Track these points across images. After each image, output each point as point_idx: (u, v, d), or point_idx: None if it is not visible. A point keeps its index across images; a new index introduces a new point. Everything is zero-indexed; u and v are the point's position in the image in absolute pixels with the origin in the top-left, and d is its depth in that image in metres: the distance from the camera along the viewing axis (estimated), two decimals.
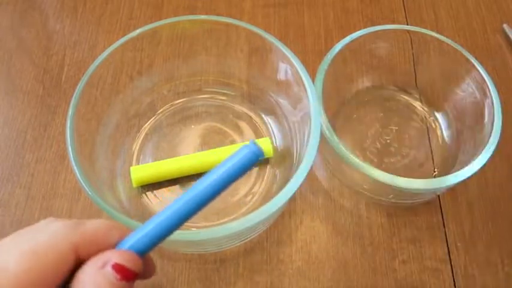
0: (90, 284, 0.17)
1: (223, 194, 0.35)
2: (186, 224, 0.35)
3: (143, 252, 0.19)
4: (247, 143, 0.19)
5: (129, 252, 0.18)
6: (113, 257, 0.18)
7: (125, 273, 0.18)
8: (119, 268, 0.17)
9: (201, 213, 0.35)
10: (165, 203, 0.35)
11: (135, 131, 0.38)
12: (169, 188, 0.36)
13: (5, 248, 0.17)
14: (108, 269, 0.17)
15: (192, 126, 0.38)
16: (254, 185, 0.36)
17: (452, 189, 0.36)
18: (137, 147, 0.37)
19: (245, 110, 0.39)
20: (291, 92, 0.34)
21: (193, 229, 0.34)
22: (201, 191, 0.19)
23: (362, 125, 0.39)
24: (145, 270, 0.21)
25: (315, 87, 0.32)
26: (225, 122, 0.38)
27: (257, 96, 0.39)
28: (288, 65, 0.33)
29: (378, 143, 0.38)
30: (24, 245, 0.17)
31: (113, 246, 0.19)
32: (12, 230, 0.36)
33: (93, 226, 0.19)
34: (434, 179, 0.30)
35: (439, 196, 0.36)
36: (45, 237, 0.17)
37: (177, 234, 0.25)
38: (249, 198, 0.35)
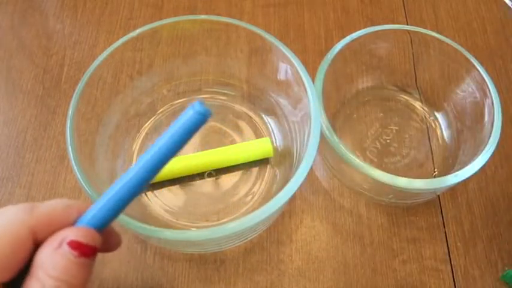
0: (49, 265, 0.17)
1: (223, 194, 0.35)
2: (186, 224, 0.35)
3: (101, 227, 0.19)
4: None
5: (84, 227, 0.18)
6: (68, 234, 0.18)
7: (83, 250, 0.17)
8: (75, 245, 0.17)
9: (201, 214, 0.35)
10: (165, 203, 0.35)
11: (135, 131, 0.38)
12: (170, 188, 0.36)
13: None
14: (65, 247, 0.17)
15: None
16: (254, 185, 0.36)
17: (452, 189, 0.36)
18: (137, 147, 0.37)
19: (245, 110, 0.39)
20: (291, 92, 0.34)
21: (193, 229, 0.34)
22: (150, 159, 0.19)
23: (362, 125, 0.39)
24: (109, 243, 0.21)
25: (315, 87, 0.32)
26: (225, 122, 0.38)
27: (257, 96, 0.39)
28: (288, 65, 0.33)
29: (377, 143, 0.38)
30: None
31: (71, 225, 0.19)
32: None
33: (49, 207, 0.18)
34: (434, 179, 0.30)
35: (439, 196, 0.36)
36: (2, 222, 0.17)
37: (178, 235, 0.25)
38: (249, 198, 0.35)
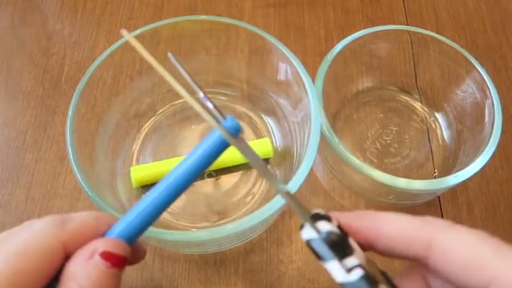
0: (81, 276, 0.17)
1: (223, 195, 0.35)
2: (186, 225, 0.35)
3: (130, 240, 0.19)
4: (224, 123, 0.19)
5: (114, 238, 0.18)
6: (99, 245, 0.18)
7: (114, 260, 0.17)
8: (107, 255, 0.17)
9: (201, 214, 0.35)
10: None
11: (135, 131, 0.38)
12: None
13: None
14: (97, 258, 0.17)
15: (192, 127, 0.38)
16: (254, 185, 0.36)
17: (453, 190, 0.36)
18: (137, 148, 0.37)
19: (245, 110, 0.39)
20: (291, 92, 0.34)
21: (193, 229, 0.34)
22: (182, 173, 0.19)
23: (362, 126, 0.39)
24: (135, 255, 0.21)
25: (315, 88, 0.32)
26: None
27: (257, 96, 0.39)
28: (288, 65, 0.33)
29: (378, 144, 0.38)
30: (12, 246, 0.17)
31: (101, 237, 0.19)
32: None
33: (80, 220, 0.18)
34: (434, 180, 0.30)
35: (439, 197, 0.36)
36: (33, 237, 0.17)
37: (178, 235, 0.25)
38: (249, 198, 0.35)
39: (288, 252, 0.34)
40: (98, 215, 0.19)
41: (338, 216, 0.19)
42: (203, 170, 0.20)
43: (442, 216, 0.35)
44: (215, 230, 0.25)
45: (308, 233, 0.18)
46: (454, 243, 0.17)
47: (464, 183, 0.31)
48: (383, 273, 0.18)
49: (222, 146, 0.19)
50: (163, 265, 0.33)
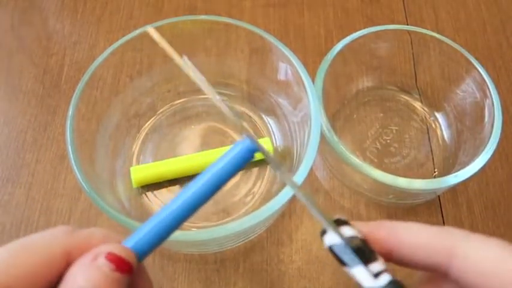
0: (81, 277, 0.16)
1: (224, 194, 0.35)
2: (186, 224, 0.35)
3: (140, 256, 0.18)
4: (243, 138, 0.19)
5: (122, 245, 0.18)
6: (105, 248, 0.17)
7: (119, 264, 0.17)
8: (112, 258, 0.16)
9: (201, 214, 0.35)
10: (165, 204, 0.35)
11: (135, 131, 0.38)
12: (170, 188, 0.36)
13: None
14: (101, 259, 0.16)
15: (192, 127, 0.38)
16: (254, 185, 0.36)
17: (453, 190, 0.36)
18: (137, 148, 0.37)
19: (245, 110, 0.39)
20: (291, 92, 0.34)
21: (193, 229, 0.34)
22: (197, 190, 0.18)
23: (362, 125, 0.39)
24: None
25: (315, 87, 0.32)
26: (225, 122, 0.38)
27: (257, 96, 0.39)
28: (288, 65, 0.33)
29: (378, 143, 0.38)
30: (16, 243, 0.17)
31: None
32: (12, 230, 0.36)
33: (89, 233, 0.18)
34: (434, 179, 0.30)
35: (439, 196, 0.36)
36: (38, 237, 0.17)
37: (178, 235, 0.25)
38: (249, 198, 0.35)
39: (288, 252, 0.34)
40: (108, 233, 0.18)
41: (356, 225, 0.18)
42: (220, 186, 0.19)
43: (442, 216, 0.35)
44: (215, 230, 0.25)
45: (331, 238, 0.18)
46: (477, 251, 0.17)
47: (464, 183, 0.31)
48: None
49: (246, 158, 0.19)
50: (163, 264, 0.33)
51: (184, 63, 0.20)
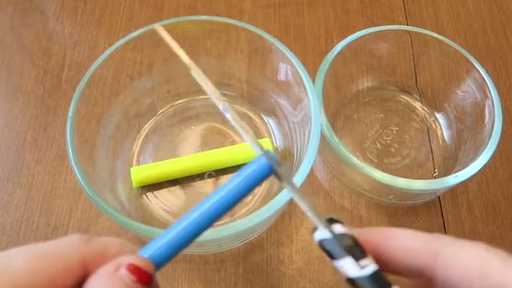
0: (104, 286, 0.16)
1: None
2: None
3: (157, 267, 0.18)
4: (259, 153, 0.19)
5: (141, 255, 0.18)
6: (126, 259, 0.17)
7: (141, 275, 0.17)
8: (134, 269, 0.17)
9: None
10: (166, 204, 0.35)
11: (135, 131, 0.38)
12: (170, 188, 0.36)
13: (12, 252, 0.16)
14: (123, 271, 0.17)
15: (192, 127, 0.38)
16: None
17: (453, 190, 0.36)
18: (137, 148, 0.37)
19: (245, 110, 0.39)
20: (291, 92, 0.34)
21: None
22: (215, 203, 0.18)
23: (362, 126, 0.39)
24: None
25: (315, 88, 0.32)
26: (225, 123, 0.38)
27: (257, 96, 0.39)
28: (288, 65, 0.33)
29: (378, 144, 0.38)
30: (33, 248, 0.16)
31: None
32: (12, 231, 0.36)
33: (106, 242, 0.18)
34: (434, 180, 0.30)
35: (439, 197, 0.36)
36: (54, 245, 0.17)
37: None
38: (249, 198, 0.35)
39: (288, 253, 0.34)
40: (124, 242, 0.18)
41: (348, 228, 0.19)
42: (241, 198, 0.19)
43: (443, 217, 0.35)
44: (215, 230, 0.25)
45: (322, 233, 0.18)
46: (462, 254, 0.17)
47: (464, 183, 0.31)
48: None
49: (266, 175, 0.19)
50: None
51: (191, 65, 0.20)
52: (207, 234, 0.25)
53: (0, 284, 0.15)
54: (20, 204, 0.35)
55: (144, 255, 0.18)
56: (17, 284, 0.15)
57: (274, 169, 0.19)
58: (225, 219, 0.34)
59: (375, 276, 0.17)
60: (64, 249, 0.17)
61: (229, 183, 0.19)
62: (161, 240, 0.18)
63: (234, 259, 0.33)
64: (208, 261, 0.33)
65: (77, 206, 0.35)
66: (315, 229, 0.19)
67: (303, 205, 0.19)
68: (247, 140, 0.19)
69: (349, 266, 0.17)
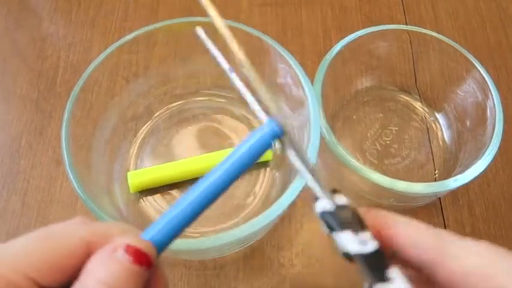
0: (100, 269, 0.16)
1: (223, 198, 0.35)
2: (186, 230, 0.34)
3: (159, 249, 0.18)
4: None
5: (140, 237, 0.17)
6: (123, 240, 0.17)
7: (139, 256, 0.16)
8: (131, 250, 0.16)
9: (201, 217, 0.35)
10: (164, 209, 0.34)
11: (132, 134, 0.37)
12: (168, 192, 0.35)
13: (15, 240, 0.17)
14: (120, 251, 0.16)
15: (189, 129, 0.38)
16: (253, 188, 0.35)
17: (454, 192, 0.36)
18: (134, 151, 0.37)
19: (243, 112, 0.39)
20: (289, 95, 0.33)
21: (194, 235, 0.33)
22: (218, 178, 0.18)
23: (362, 126, 0.38)
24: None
25: (314, 89, 0.31)
26: (223, 125, 0.38)
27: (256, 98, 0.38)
28: (286, 66, 0.32)
29: (377, 144, 0.38)
30: (38, 232, 0.17)
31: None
32: (8, 239, 0.35)
33: (108, 225, 0.18)
34: (434, 183, 0.30)
35: (440, 199, 0.36)
36: (59, 228, 0.17)
37: (178, 243, 0.25)
38: (248, 201, 0.35)
39: (289, 256, 0.33)
40: (127, 226, 0.18)
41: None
42: (246, 168, 0.18)
43: (444, 218, 0.35)
44: (215, 238, 0.25)
45: (323, 204, 0.18)
46: (466, 252, 0.17)
47: (465, 185, 0.30)
48: None
49: (269, 142, 0.18)
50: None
51: (246, 64, 0.19)
52: (207, 243, 0.25)
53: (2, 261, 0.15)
54: (16, 211, 0.35)
55: (145, 237, 0.17)
56: (16, 267, 0.15)
57: (284, 132, 0.18)
58: (225, 223, 0.34)
59: (377, 254, 0.16)
60: (66, 231, 0.17)
61: (236, 151, 0.18)
62: (163, 221, 0.17)
63: (234, 264, 0.33)
64: (207, 267, 0.33)
65: (74, 212, 0.35)
66: (316, 198, 0.18)
67: (302, 172, 0.18)
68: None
69: (349, 241, 0.17)
